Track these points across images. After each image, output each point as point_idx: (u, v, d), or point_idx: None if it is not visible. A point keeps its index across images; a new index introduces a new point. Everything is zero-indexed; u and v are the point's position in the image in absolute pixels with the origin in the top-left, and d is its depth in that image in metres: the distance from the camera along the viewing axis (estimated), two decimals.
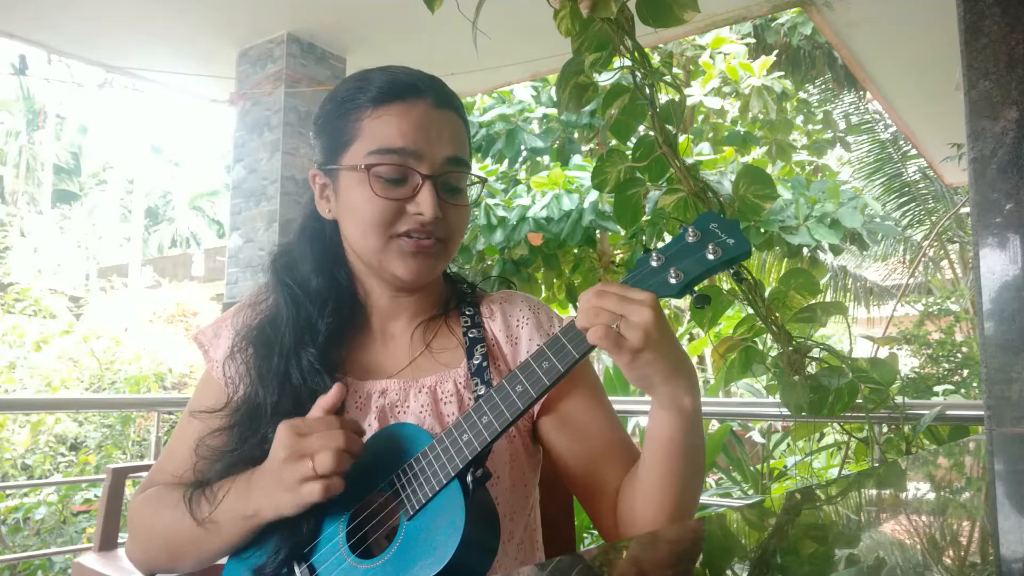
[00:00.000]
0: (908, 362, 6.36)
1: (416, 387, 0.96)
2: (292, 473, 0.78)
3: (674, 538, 0.64)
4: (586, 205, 5.00)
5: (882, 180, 9.41)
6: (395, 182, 0.91)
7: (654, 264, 0.77)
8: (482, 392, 0.93)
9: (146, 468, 2.60)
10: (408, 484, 0.82)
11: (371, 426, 0.93)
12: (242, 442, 0.90)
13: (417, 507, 0.80)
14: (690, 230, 0.77)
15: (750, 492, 3.69)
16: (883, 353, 2.89)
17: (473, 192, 1.00)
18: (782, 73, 5.82)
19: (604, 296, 0.76)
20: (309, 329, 0.95)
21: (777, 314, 2.01)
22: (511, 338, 1.00)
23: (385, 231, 0.92)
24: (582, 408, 0.97)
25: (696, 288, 0.77)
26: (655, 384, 0.80)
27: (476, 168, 5.87)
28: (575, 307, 5.80)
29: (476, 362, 0.96)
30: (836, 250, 5.32)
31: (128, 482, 2.36)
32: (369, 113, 0.93)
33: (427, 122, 0.92)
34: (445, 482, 0.79)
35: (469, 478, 0.79)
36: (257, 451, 0.88)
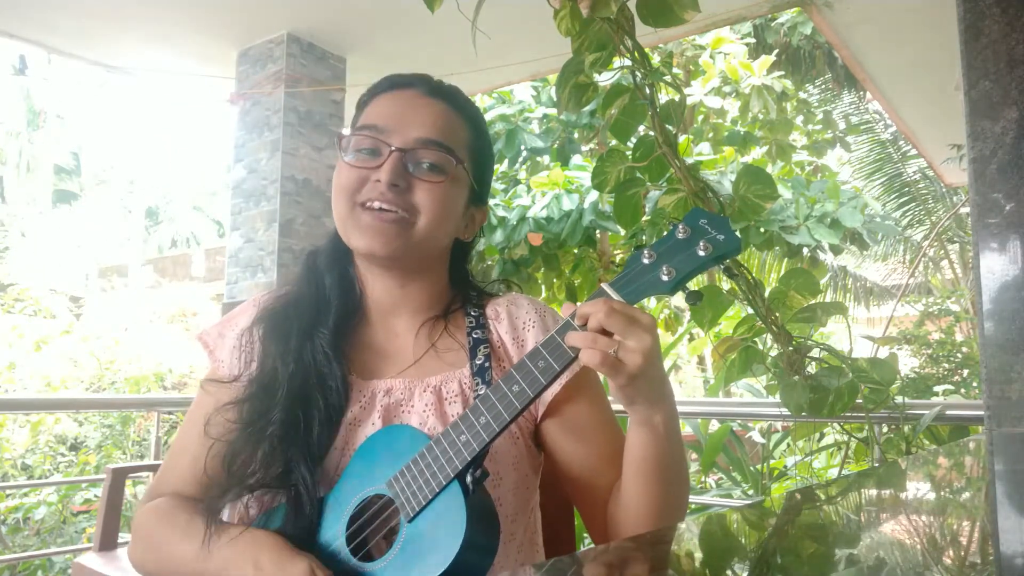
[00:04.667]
0: (908, 362, 6.35)
1: (421, 386, 0.96)
2: None
3: (672, 538, 0.64)
4: (586, 205, 5.00)
5: (882, 180, 9.41)
6: (369, 155, 0.95)
7: (646, 261, 0.78)
8: (482, 392, 0.93)
9: (146, 468, 2.60)
10: (407, 486, 0.81)
11: (375, 425, 0.93)
12: (253, 416, 0.91)
13: (417, 509, 0.80)
14: (680, 227, 0.78)
15: (750, 492, 3.69)
16: (883, 353, 2.89)
17: (459, 179, 0.98)
18: (782, 73, 5.81)
19: (612, 315, 0.75)
20: (323, 314, 0.98)
21: (777, 314, 2.01)
22: (517, 340, 1.00)
23: (350, 197, 0.95)
24: (586, 414, 0.97)
25: (688, 285, 0.78)
26: (635, 403, 0.82)
27: None
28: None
29: (478, 362, 0.96)
30: (836, 250, 5.32)
31: (128, 482, 2.36)
32: (368, 105, 1.00)
33: (410, 105, 0.97)
34: (445, 483, 0.79)
35: (469, 478, 0.79)
36: (265, 431, 0.89)
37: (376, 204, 0.93)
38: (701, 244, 0.76)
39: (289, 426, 0.89)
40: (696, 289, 0.77)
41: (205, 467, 0.94)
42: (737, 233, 0.77)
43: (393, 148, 0.93)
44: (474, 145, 1.01)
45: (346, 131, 0.99)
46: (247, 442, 0.90)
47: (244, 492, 0.89)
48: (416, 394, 0.95)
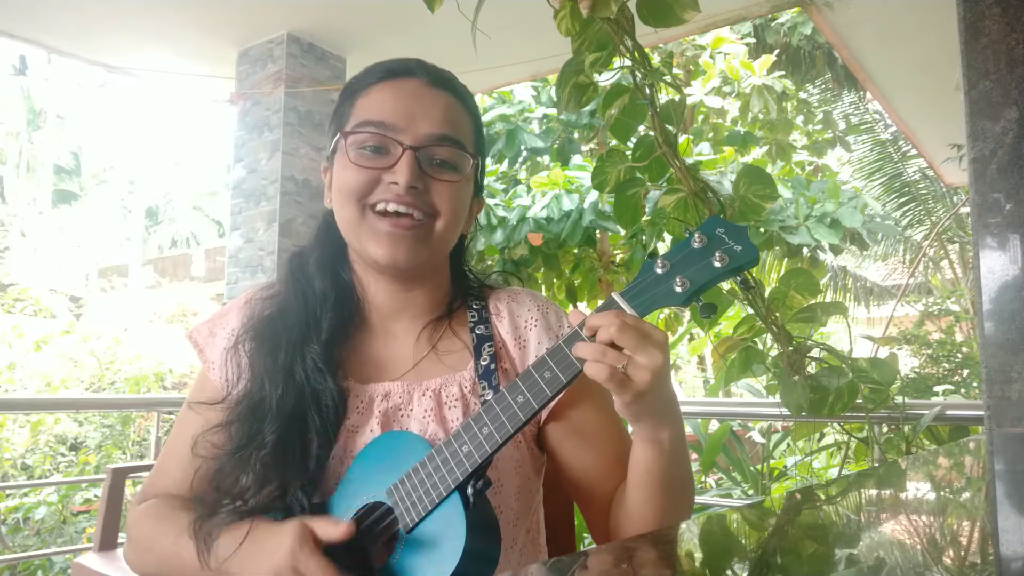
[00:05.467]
0: (908, 362, 6.34)
1: (420, 390, 0.93)
2: None
3: (672, 538, 0.64)
4: (586, 205, 5.00)
5: (882, 180, 9.40)
6: (375, 152, 0.91)
7: (659, 271, 0.75)
8: (489, 397, 0.90)
9: (146, 468, 2.60)
10: (407, 496, 0.80)
11: (373, 431, 0.91)
12: (242, 439, 0.88)
13: (416, 519, 0.79)
14: (696, 235, 0.74)
15: (750, 492, 3.69)
16: (883, 353, 2.89)
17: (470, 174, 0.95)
18: (782, 73, 5.81)
19: (624, 330, 0.72)
20: (314, 326, 0.94)
21: (777, 314, 2.01)
22: (519, 340, 0.97)
23: (360, 200, 0.90)
24: (591, 418, 0.96)
25: (702, 296, 0.75)
26: (641, 420, 0.80)
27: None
28: (576, 307, 5.81)
29: (484, 363, 0.94)
30: (836, 250, 5.32)
31: (128, 482, 2.36)
32: (363, 93, 0.94)
33: (415, 98, 0.92)
34: (445, 495, 0.77)
35: (469, 490, 0.77)
36: (256, 454, 0.86)
37: (392, 207, 0.89)
38: (717, 255, 0.72)
39: (283, 449, 0.86)
40: (710, 302, 0.74)
41: (192, 486, 0.92)
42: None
43: (406, 147, 0.89)
44: (476, 137, 0.98)
45: (351, 130, 0.94)
46: (236, 466, 0.87)
47: (236, 517, 0.85)
48: (415, 398, 0.93)
